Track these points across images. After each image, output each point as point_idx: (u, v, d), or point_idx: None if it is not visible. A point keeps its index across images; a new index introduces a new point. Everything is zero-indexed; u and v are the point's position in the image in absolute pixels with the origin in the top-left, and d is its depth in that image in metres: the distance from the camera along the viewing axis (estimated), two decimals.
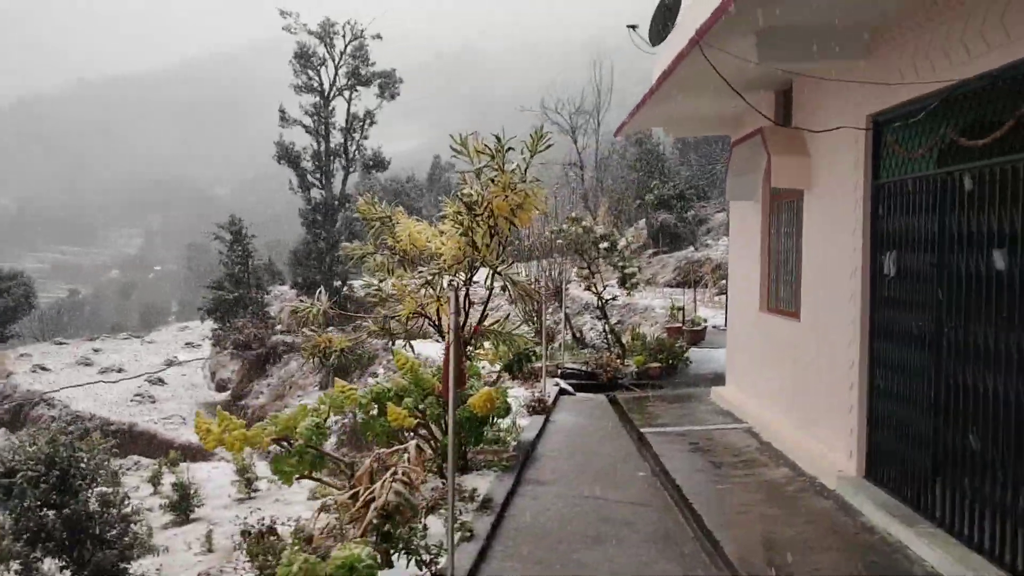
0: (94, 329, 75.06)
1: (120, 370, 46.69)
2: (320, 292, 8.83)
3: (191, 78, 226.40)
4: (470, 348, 8.43)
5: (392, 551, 4.91)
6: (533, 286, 12.06)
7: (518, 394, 11.51)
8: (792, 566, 5.64)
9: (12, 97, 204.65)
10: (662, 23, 9.58)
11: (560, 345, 15.80)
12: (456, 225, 7.78)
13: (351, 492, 4.75)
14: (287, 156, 41.12)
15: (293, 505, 15.52)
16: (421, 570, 5.03)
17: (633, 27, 10.36)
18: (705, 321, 18.90)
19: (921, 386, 6.17)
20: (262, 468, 17.60)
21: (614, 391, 13.53)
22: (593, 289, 16.14)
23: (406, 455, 4.83)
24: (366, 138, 43.29)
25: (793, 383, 8.90)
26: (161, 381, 43.33)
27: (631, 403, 12.13)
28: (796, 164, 8.44)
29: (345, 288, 39.22)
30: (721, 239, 31.40)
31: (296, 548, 5.20)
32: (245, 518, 9.93)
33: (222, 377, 41.79)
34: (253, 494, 17.72)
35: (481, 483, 7.46)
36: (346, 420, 20.72)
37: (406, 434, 7.03)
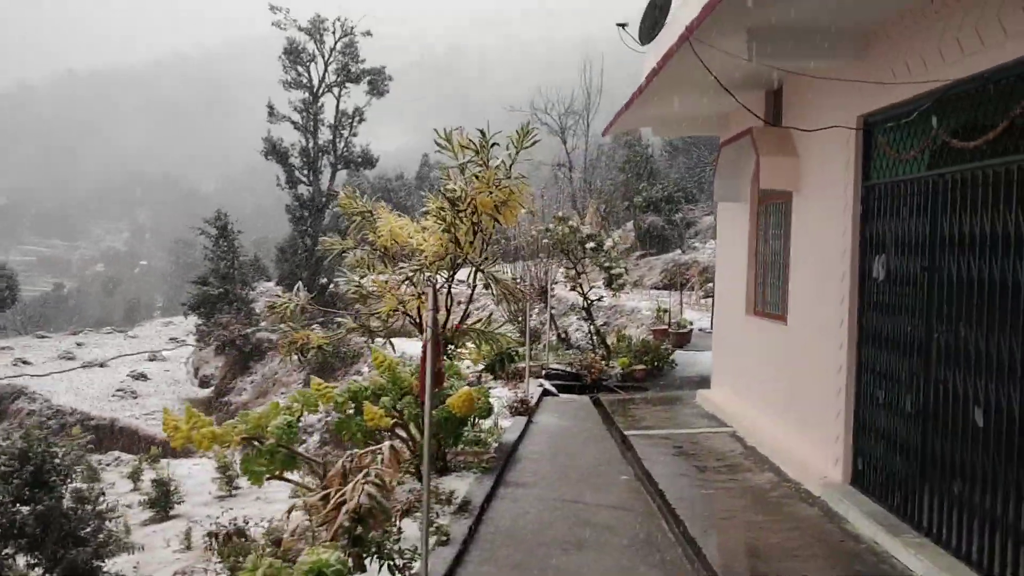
0: (78, 323, 74.48)
1: (102, 364, 46.31)
2: (298, 288, 8.65)
3: (181, 72, 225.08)
4: (452, 347, 8.27)
5: (364, 555, 4.75)
6: (518, 285, 11.92)
7: (501, 394, 11.36)
8: (776, 575, 5.51)
9: (0, 89, 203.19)
10: (652, 22, 9.43)
11: (545, 346, 15.65)
12: (439, 221, 7.62)
13: (322, 494, 4.59)
14: (275, 152, 40.90)
15: (275, 503, 15.29)
16: (394, 575, 4.88)
17: (622, 25, 10.22)
18: (691, 324, 18.79)
19: (909, 392, 6.05)
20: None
21: (598, 393, 13.39)
22: (579, 290, 16.00)
23: (380, 456, 4.67)
24: (355, 135, 43.11)
25: (779, 387, 8.78)
26: (144, 376, 42.96)
27: (615, 405, 11.99)
28: (785, 165, 8.32)
29: (332, 285, 38.97)
30: (708, 242, 31.34)
31: (267, 551, 5.04)
32: (217, 517, 9.69)
33: (205, 373, 41.47)
34: (234, 492, 17.50)
35: (460, 485, 7.30)
36: (329, 418, 20.52)
37: (383, 434, 6.87)
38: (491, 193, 7.47)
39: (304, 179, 41.61)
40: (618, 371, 14.27)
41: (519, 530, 6.49)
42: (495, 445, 8.85)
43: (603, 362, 14.63)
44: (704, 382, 12.47)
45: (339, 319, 9.04)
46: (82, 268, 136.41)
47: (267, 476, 5.65)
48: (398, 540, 5.15)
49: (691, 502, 7.08)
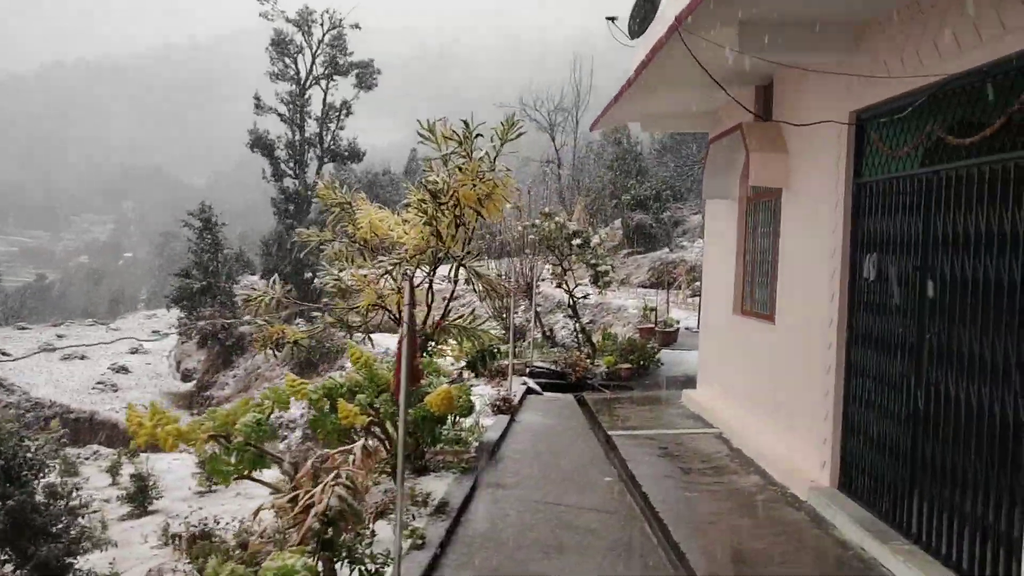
0: (62, 315, 73.84)
1: (83, 357, 45.86)
2: (273, 281, 8.43)
3: (168, 64, 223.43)
4: (432, 343, 8.06)
5: (335, 560, 4.55)
6: (503, 282, 11.72)
7: (483, 392, 11.16)
8: None
9: None
10: (642, 16, 9.27)
11: (530, 343, 15.47)
12: (420, 214, 7.41)
13: (291, 495, 4.39)
14: (261, 144, 40.56)
15: (255, 499, 15.03)
16: None
17: (612, 19, 10.06)
18: (678, 322, 18.65)
19: (900, 395, 5.90)
20: None
21: (583, 391, 13.22)
22: (565, 287, 15.83)
23: (352, 457, 4.48)
24: (342, 128, 42.83)
25: (766, 388, 8.63)
26: (125, 369, 42.56)
27: (600, 404, 11.82)
28: (775, 161, 8.16)
29: (316, 279, 38.67)
30: (696, 241, 31.22)
31: (235, 554, 4.84)
32: (186, 516, 9.45)
33: (187, 367, 41.07)
34: (214, 487, 17.27)
35: (439, 486, 7.10)
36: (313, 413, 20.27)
37: (359, 433, 6.67)
38: (474, 186, 7.27)
39: (290, 172, 41.28)
40: (603, 370, 14.11)
41: (498, 533, 6.31)
42: (476, 444, 8.66)
43: (588, 360, 14.46)
44: (690, 382, 12.31)
45: (317, 314, 8.79)
46: (66, 259, 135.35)
47: (234, 476, 5.46)
48: (371, 544, 4.96)
49: (675, 505, 6.91)
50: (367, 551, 4.78)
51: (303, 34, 41.52)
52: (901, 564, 5.36)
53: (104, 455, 25.28)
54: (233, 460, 5.33)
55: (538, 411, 11.61)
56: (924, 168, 5.70)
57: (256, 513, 4.53)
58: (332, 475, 4.23)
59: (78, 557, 12.58)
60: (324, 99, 42.14)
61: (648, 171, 40.41)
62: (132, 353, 47.78)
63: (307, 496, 4.24)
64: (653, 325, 17.80)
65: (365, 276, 7.71)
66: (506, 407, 10.74)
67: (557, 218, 15.91)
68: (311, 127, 42.20)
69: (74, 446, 24.49)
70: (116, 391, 39.33)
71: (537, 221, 16.07)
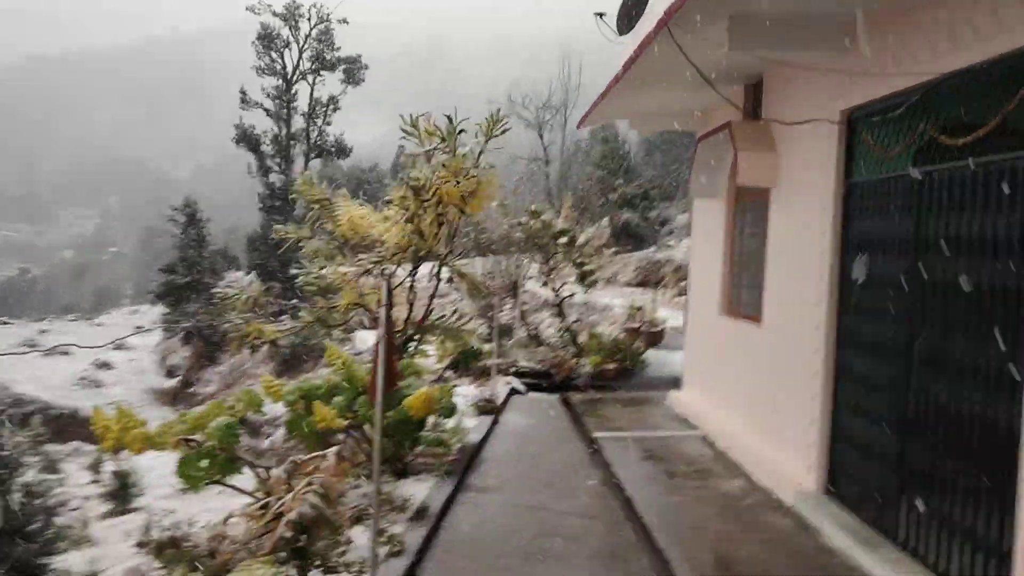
0: (46, 310, 73.20)
1: (66, 352, 45.40)
2: (251, 279, 8.24)
3: (154, 57, 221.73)
4: (412, 343, 7.90)
5: (307, 569, 4.39)
6: (488, 280, 11.57)
7: (467, 392, 10.99)
8: None
9: None
10: (630, 12, 9.14)
11: (515, 342, 15.31)
12: (401, 211, 7.24)
13: (262, 502, 4.23)
14: (246, 139, 40.30)
15: (239, 497, 14.86)
16: None
17: (600, 15, 9.93)
18: (664, 322, 18.52)
19: (889, 400, 5.78)
20: None
21: (568, 392, 13.07)
22: (550, 285, 15.67)
23: (325, 463, 4.32)
24: (328, 124, 42.62)
25: (752, 391, 8.51)
26: (108, 365, 42.16)
27: (585, 405, 11.69)
28: (764, 161, 8.04)
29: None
30: (683, 240, 31.10)
31: (206, 563, 4.67)
32: (159, 520, 9.27)
33: (172, 363, 40.74)
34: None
35: (419, 489, 6.94)
36: None
37: (338, 435, 6.51)
38: (458, 183, 7.11)
39: (276, 167, 41.01)
40: (589, 370, 13.96)
41: (479, 539, 6.16)
42: (458, 446, 8.50)
43: (574, 360, 14.31)
44: (676, 382, 12.19)
45: (298, 312, 8.62)
46: (50, 254, 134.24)
47: (206, 481, 5.29)
48: (345, 552, 4.80)
49: (659, 510, 6.78)
50: (342, 559, 4.62)
51: (290, 28, 41.31)
52: (890, 573, 5.25)
53: (86, 452, 25.00)
54: (204, 465, 5.17)
55: (522, 412, 11.46)
56: (917, 169, 5.58)
57: (226, 520, 4.37)
58: (304, 482, 4.07)
59: (55, 557, 12.38)
60: (311, 94, 41.94)
61: (636, 170, 40.32)
62: (116, 349, 47.33)
63: (278, 503, 4.08)
64: (639, 325, 17.66)
65: (345, 274, 7.55)
66: (490, 408, 10.58)
67: (543, 216, 15.76)
68: (297, 122, 42.02)
69: (56, 443, 24.23)
70: (99, 387, 38.96)
71: (523, 219, 15.92)
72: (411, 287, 7.72)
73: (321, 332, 8.15)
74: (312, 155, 42.53)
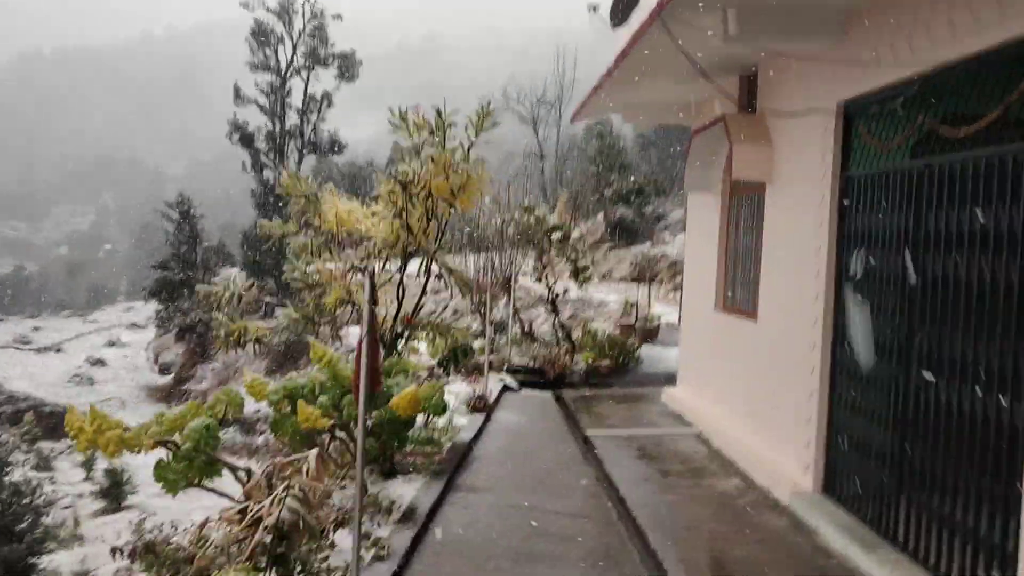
0: (41, 307, 72.92)
1: (59, 350, 45.26)
2: (234, 276, 8.09)
3: (148, 54, 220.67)
4: (402, 341, 7.75)
5: None
6: (482, 276, 11.40)
7: (459, 390, 10.83)
8: None
9: None
10: (624, 4, 8.99)
11: (508, 339, 15.16)
12: (389, 205, 7.08)
13: (240, 507, 4.08)
14: (240, 135, 40.05)
15: (234, 495, 14.74)
16: None
17: (594, 8, 9.76)
18: (659, 318, 18.39)
19: (887, 397, 5.65)
20: None
21: (561, 389, 12.94)
22: (544, 281, 15.52)
23: (306, 466, 4.18)
24: (323, 120, 42.36)
25: (747, 388, 8.38)
26: (102, 362, 42.01)
27: (578, 402, 11.55)
28: (759, 154, 7.91)
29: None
30: (678, 235, 30.99)
31: (183, 570, 4.53)
32: (141, 523, 9.07)
33: (165, 360, 40.51)
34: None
35: (407, 490, 6.79)
36: None
37: (323, 435, 6.36)
38: (447, 177, 6.96)
39: (270, 164, 40.79)
40: (582, 366, 13.83)
41: (468, 541, 6.01)
42: (449, 445, 8.35)
43: (568, 357, 14.18)
44: (670, 379, 12.06)
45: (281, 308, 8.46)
46: (45, 251, 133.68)
47: (183, 485, 5.14)
48: (327, 557, 4.65)
49: (653, 510, 6.65)
50: (324, 565, 4.48)
51: (283, 24, 41.02)
52: (888, 575, 5.13)
53: None
54: (182, 468, 5.02)
55: (515, 409, 11.32)
56: (915, 161, 5.45)
57: (202, 526, 4.23)
58: (283, 486, 3.93)
59: (43, 557, 12.22)
60: (305, 90, 41.67)
61: (631, 165, 40.13)
62: (109, 346, 47.19)
63: (256, 508, 3.94)
64: (634, 321, 17.54)
65: (332, 271, 7.39)
66: (481, 405, 10.43)
67: (537, 212, 15.60)
68: (292, 118, 41.74)
69: (49, 440, 24.05)
70: (93, 384, 38.81)
71: (516, 215, 15.76)
72: (400, 283, 7.56)
73: (308, 329, 8.00)
74: (306, 151, 42.28)
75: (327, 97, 42.00)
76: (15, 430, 23.40)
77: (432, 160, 7.02)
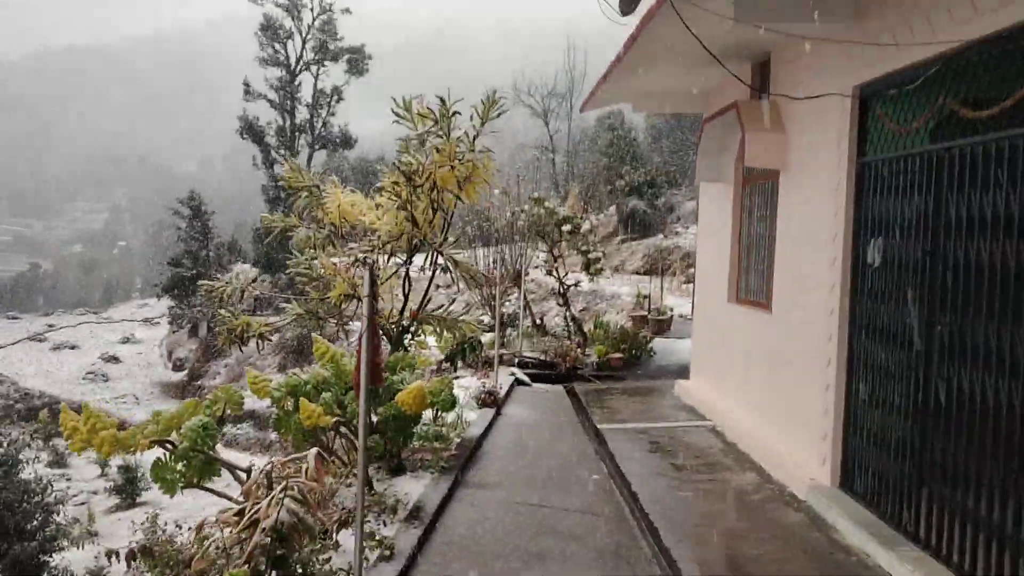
0: (56, 304, 73.34)
1: (74, 347, 45.45)
2: (236, 271, 7.97)
3: (159, 50, 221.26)
4: (409, 335, 7.61)
5: None
6: (490, 269, 11.25)
7: (469, 384, 10.70)
8: None
9: None
10: None
11: (519, 332, 15.03)
12: (393, 197, 6.93)
13: (238, 508, 3.96)
14: (250, 131, 40.10)
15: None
16: None
17: None
18: (671, 310, 18.23)
19: (907, 389, 5.47)
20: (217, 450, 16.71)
21: (573, 382, 12.79)
22: (555, 274, 15.37)
23: (304, 465, 4.04)
24: (333, 115, 42.34)
25: (762, 380, 8.20)
26: (115, 359, 42.16)
27: (590, 396, 11.40)
28: (772, 142, 7.72)
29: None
30: (691, 227, 30.78)
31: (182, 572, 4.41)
32: (142, 523, 8.88)
33: (179, 356, 40.64)
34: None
35: (414, 487, 6.65)
36: None
37: (327, 433, 6.23)
38: (452, 167, 6.80)
39: (281, 159, 40.77)
40: (594, 359, 13.68)
41: (476, 540, 5.87)
42: (458, 441, 8.20)
43: (579, 350, 14.03)
44: (683, 372, 11.90)
45: (286, 304, 8.34)
46: (60, 248, 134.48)
47: (182, 485, 5.02)
48: (330, 558, 4.52)
49: (666, 506, 6.49)
50: (326, 566, 4.35)
51: (293, 19, 40.99)
52: (908, 572, 4.95)
53: None
54: (180, 467, 4.90)
55: (525, 404, 11.17)
56: (935, 145, 5.25)
57: (199, 528, 4.11)
58: (280, 487, 3.80)
59: (54, 555, 12.17)
60: (315, 85, 41.65)
61: (643, 157, 39.90)
62: (123, 343, 47.37)
63: (254, 509, 3.81)
64: (646, 313, 17.37)
65: (335, 265, 7.25)
66: (491, 400, 10.29)
67: (547, 203, 15.44)
68: (302, 113, 41.74)
69: (62, 436, 24.14)
70: (107, 381, 38.98)
71: (527, 207, 15.61)
72: (406, 277, 7.42)
73: (313, 325, 7.87)
74: (317, 146, 42.32)
75: (337, 92, 41.98)
76: (26, 427, 23.49)
77: (437, 150, 6.87)
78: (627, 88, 10.22)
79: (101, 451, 4.68)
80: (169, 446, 4.97)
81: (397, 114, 7.07)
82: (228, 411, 5.55)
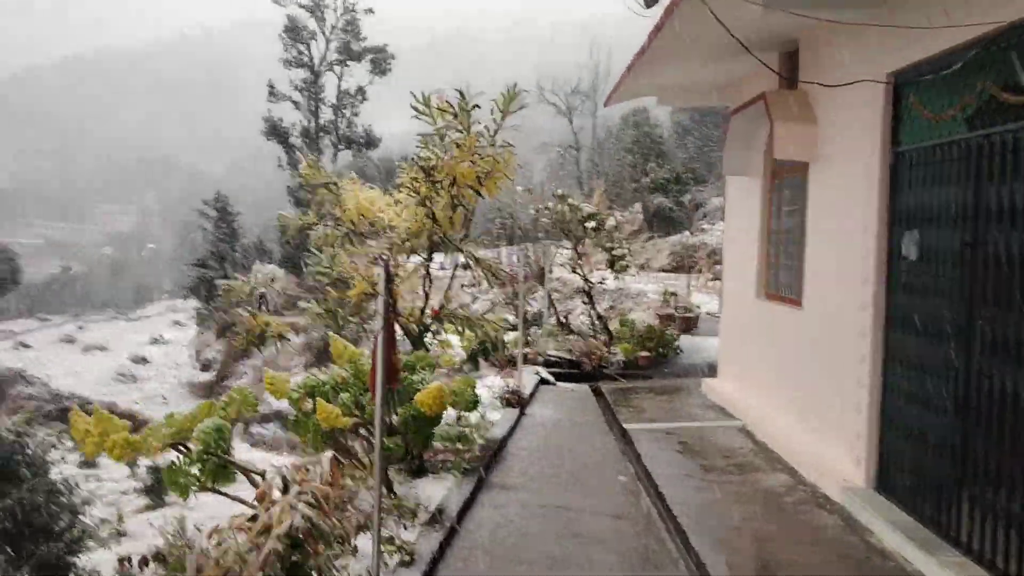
0: (87, 306, 74.16)
1: (103, 348, 45.86)
2: (255, 271, 7.88)
3: (185, 54, 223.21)
4: (430, 335, 7.47)
5: None
6: (513, 267, 11.09)
7: (492, 384, 10.54)
8: None
9: (5, 72, 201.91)
10: None
11: (544, 331, 14.86)
12: (412, 193, 6.79)
13: (251, 514, 3.84)
14: (275, 132, 40.24)
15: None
16: None
17: None
18: (698, 307, 18.00)
19: (946, 386, 5.24)
20: (243, 450, 16.75)
21: (599, 381, 12.60)
22: (579, 271, 15.18)
23: (319, 469, 3.91)
24: (356, 115, 42.37)
25: (793, 378, 7.98)
26: (144, 360, 42.48)
27: (616, 395, 11.20)
28: (802, 132, 7.49)
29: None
30: (717, 223, 30.50)
31: None
32: (159, 526, 8.75)
33: (206, 357, 40.82)
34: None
35: (436, 490, 6.51)
36: None
37: (345, 435, 6.10)
38: (472, 163, 6.64)
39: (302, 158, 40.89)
40: (620, 358, 13.48)
41: (499, 544, 5.71)
42: (481, 442, 8.05)
43: (605, 348, 13.84)
44: (711, 370, 11.68)
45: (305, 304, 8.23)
46: (90, 251, 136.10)
47: (196, 489, 4.91)
48: (347, 565, 4.39)
49: (695, 508, 6.30)
50: (343, 573, 4.22)
51: (316, 20, 41.07)
52: None
53: None
54: (195, 472, 4.79)
55: (550, 403, 11.01)
56: (974, 132, 5.03)
57: (210, 534, 3.99)
58: (293, 492, 3.67)
59: (80, 556, 12.19)
60: (338, 85, 41.72)
61: (668, 154, 39.60)
62: (152, 344, 47.73)
63: (266, 515, 3.68)
64: (672, 310, 17.15)
65: (353, 263, 7.13)
66: (515, 400, 10.12)
67: (571, 200, 15.25)
68: (326, 114, 41.82)
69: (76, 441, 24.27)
70: (136, 382, 39.29)
71: (550, 204, 15.43)
72: (427, 275, 7.28)
73: (333, 325, 7.75)
74: (341, 146, 42.37)
75: (361, 92, 42.00)
76: (52, 428, 23.64)
77: (457, 145, 6.72)
78: (652, 81, 10.02)
79: (112, 455, 4.59)
80: (184, 449, 4.87)
81: (416, 109, 6.93)
82: (243, 413, 5.44)
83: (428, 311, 7.38)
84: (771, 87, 8.19)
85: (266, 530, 3.71)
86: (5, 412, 30.68)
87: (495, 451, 7.99)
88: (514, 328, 12.89)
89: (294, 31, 40.92)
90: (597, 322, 15.40)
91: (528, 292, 15.12)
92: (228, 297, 7.65)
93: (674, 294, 18.20)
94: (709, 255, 25.97)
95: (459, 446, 7.65)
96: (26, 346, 44.11)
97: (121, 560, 4.98)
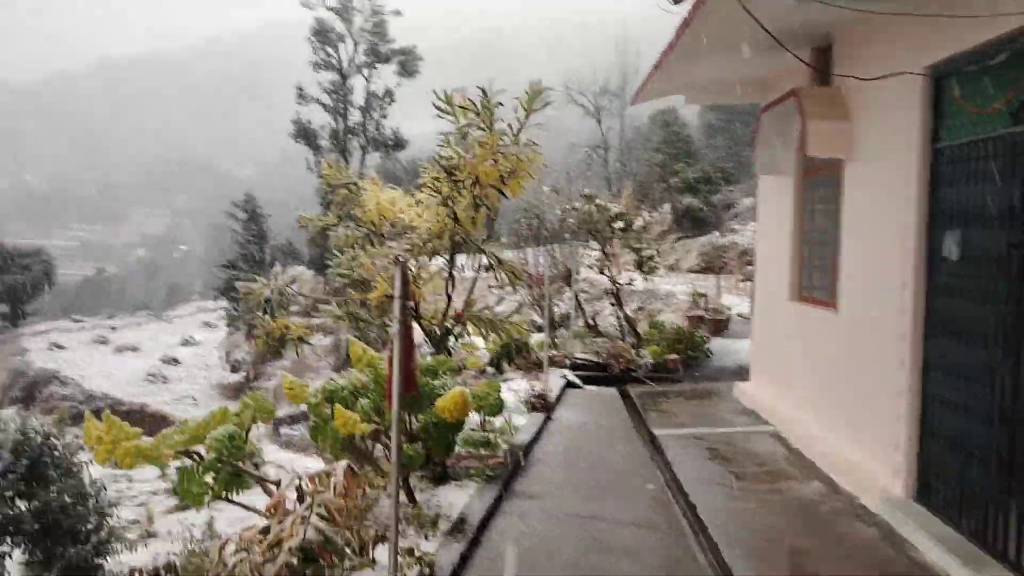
0: (121, 308, 74.92)
1: (135, 349, 46.22)
2: (276, 272, 7.77)
3: (215, 57, 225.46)
4: (452, 338, 7.31)
5: None
6: (539, 268, 10.90)
7: (518, 387, 10.36)
8: None
9: (39, 76, 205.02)
10: None
11: (571, 333, 14.66)
12: (434, 193, 6.64)
13: (262, 526, 3.70)
14: (304, 134, 40.34)
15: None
16: None
17: None
18: (729, 309, 17.70)
19: (991, 393, 4.99)
20: (272, 451, 16.71)
21: (627, 384, 12.37)
22: (607, 272, 14.96)
23: (333, 479, 3.76)
24: (384, 117, 42.35)
25: (828, 383, 7.73)
26: (175, 361, 42.75)
27: (645, 399, 10.98)
28: (835, 129, 7.25)
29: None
30: (748, 224, 30.10)
31: None
32: (173, 532, 8.61)
33: (236, 358, 41.01)
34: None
35: (459, 497, 6.34)
36: None
37: (365, 442, 5.95)
38: (495, 162, 6.48)
39: (325, 160, 40.93)
40: (649, 360, 13.24)
41: (522, 556, 5.52)
42: (505, 447, 7.87)
43: (633, 351, 13.61)
44: (742, 373, 11.43)
45: (325, 306, 8.10)
46: (124, 253, 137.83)
47: (209, 498, 4.78)
48: None
49: (726, 519, 6.08)
50: None
51: (344, 22, 41.13)
52: None
53: None
54: (208, 480, 4.66)
55: (577, 407, 10.81)
56: (1020, 127, 4.78)
57: (222, 547, 3.86)
58: (305, 504, 3.52)
59: (108, 558, 12.17)
60: (367, 87, 41.75)
61: (698, 153, 39.18)
62: (183, 345, 48.03)
63: (278, 528, 3.54)
64: (703, 312, 16.88)
65: (374, 265, 6.99)
66: (541, 404, 9.94)
67: (598, 200, 15.04)
68: (354, 116, 41.85)
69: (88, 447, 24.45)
70: (166, 383, 39.53)
71: (577, 204, 15.23)
72: (450, 276, 7.12)
73: (354, 328, 7.62)
74: (369, 148, 42.38)
75: (389, 94, 41.99)
76: (78, 430, 23.81)
77: (479, 144, 6.56)
78: (679, 79, 9.80)
79: (123, 464, 4.48)
80: (197, 457, 4.75)
81: (438, 107, 6.79)
82: (258, 420, 5.31)
83: (451, 313, 7.22)
84: (803, 83, 7.95)
85: (278, 543, 3.57)
86: (40, 412, 31.01)
87: (520, 457, 7.80)
88: (540, 330, 12.70)
89: (322, 34, 41.00)
90: (625, 324, 15.17)
91: (555, 293, 14.94)
92: (247, 299, 7.54)
93: (704, 295, 17.91)
94: (740, 256, 25.63)
95: (483, 452, 7.48)
96: (60, 347, 44.50)
97: (131, 572, 4.86)
